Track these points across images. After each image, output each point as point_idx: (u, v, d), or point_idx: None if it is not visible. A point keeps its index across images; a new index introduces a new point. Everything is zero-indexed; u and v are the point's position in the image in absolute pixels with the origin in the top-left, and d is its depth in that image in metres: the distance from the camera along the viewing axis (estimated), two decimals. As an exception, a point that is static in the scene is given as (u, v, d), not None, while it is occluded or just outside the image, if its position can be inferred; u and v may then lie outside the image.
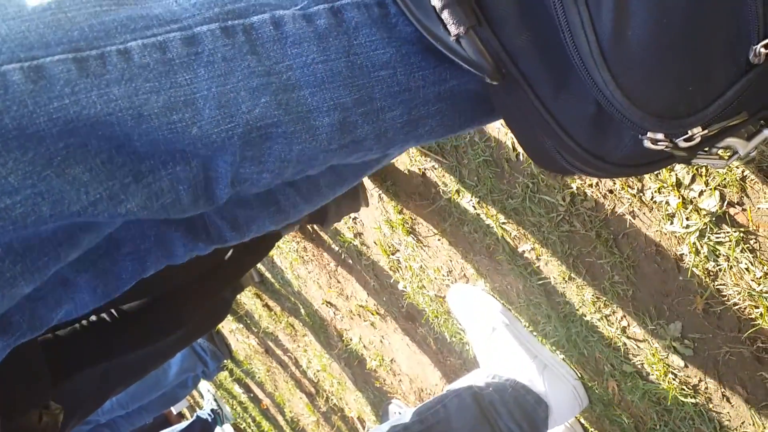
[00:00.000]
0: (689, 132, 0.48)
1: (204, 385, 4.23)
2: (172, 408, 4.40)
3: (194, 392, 4.81)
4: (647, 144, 0.49)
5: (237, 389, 4.05)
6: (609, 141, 0.52)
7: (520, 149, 1.15)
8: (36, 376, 1.29)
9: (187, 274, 1.72)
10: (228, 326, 3.51)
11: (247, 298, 3.01)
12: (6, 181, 0.44)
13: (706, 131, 0.48)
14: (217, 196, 0.54)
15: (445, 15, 0.50)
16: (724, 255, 0.92)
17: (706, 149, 0.54)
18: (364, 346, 2.13)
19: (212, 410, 4.07)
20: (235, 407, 4.24)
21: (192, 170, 0.51)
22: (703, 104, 0.47)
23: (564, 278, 1.19)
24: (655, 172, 0.95)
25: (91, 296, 0.70)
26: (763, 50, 0.46)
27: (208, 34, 0.49)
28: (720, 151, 0.56)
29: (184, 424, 4.06)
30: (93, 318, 1.51)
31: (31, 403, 1.14)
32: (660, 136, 0.48)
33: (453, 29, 0.50)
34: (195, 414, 4.13)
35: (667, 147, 0.49)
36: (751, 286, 0.90)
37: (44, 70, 0.44)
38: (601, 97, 0.48)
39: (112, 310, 1.56)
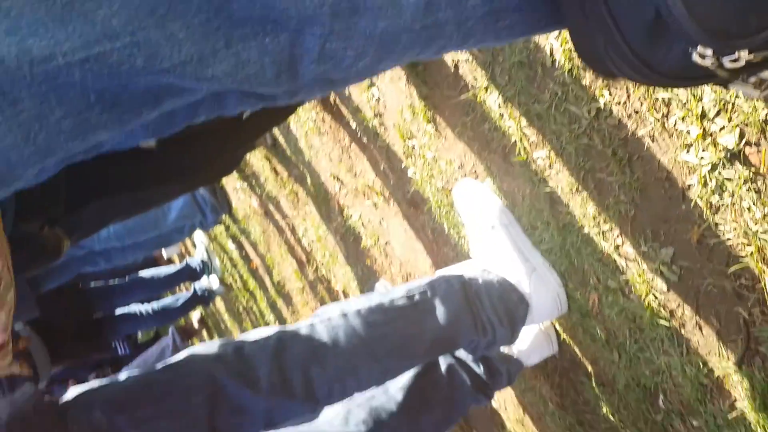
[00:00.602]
0: (736, 53, 0.51)
1: (198, 236, 4.34)
2: (163, 251, 4.52)
3: (187, 241, 4.94)
4: (695, 58, 0.51)
5: (230, 245, 4.16)
6: (660, 50, 0.54)
7: (557, 56, 1.16)
8: (53, 191, 1.34)
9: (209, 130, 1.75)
10: (232, 183, 3.58)
11: (256, 159, 3.05)
12: (109, 23, 0.46)
13: (752, 56, 0.51)
14: (301, 74, 0.56)
15: None
16: (729, 191, 0.96)
17: (746, 75, 0.56)
18: (363, 225, 2.20)
19: (202, 261, 4.20)
20: (225, 262, 4.37)
21: (280, 44, 0.53)
22: (756, 30, 0.50)
23: (571, 189, 1.23)
24: (683, 102, 0.98)
25: (143, 131, 0.74)
26: (819, -11, 0.48)
27: None
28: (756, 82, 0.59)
29: (172, 268, 4.20)
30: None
31: (42, 205, 1.19)
32: (709, 52, 0.51)
33: None
34: (185, 261, 4.26)
35: (712, 64, 0.51)
36: (748, 225, 0.95)
37: None
38: (662, 4, 0.50)
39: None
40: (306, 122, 2.34)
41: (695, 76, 0.56)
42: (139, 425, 1.05)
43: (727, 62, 0.51)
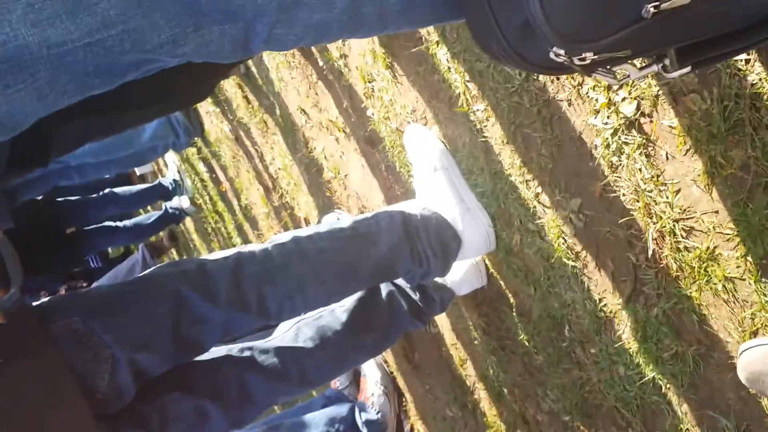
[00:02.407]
0: (584, 54, 0.65)
1: (170, 156, 4.43)
2: (136, 169, 4.62)
3: (160, 161, 5.03)
4: (552, 56, 0.66)
5: (201, 167, 4.27)
6: (529, 45, 0.69)
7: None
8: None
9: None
10: (205, 107, 3.67)
11: (229, 86, 3.15)
12: (108, 14, 0.60)
13: (596, 57, 0.66)
14: (252, 50, 0.71)
15: None
16: (626, 154, 1.11)
17: (607, 67, 0.71)
18: (325, 157, 2.33)
19: (174, 180, 4.31)
20: (195, 183, 4.49)
21: (236, 28, 0.67)
22: (599, 37, 0.64)
23: (503, 141, 1.38)
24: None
25: None
26: (651, 9, 0.62)
27: None
28: (618, 72, 0.73)
29: (145, 185, 4.31)
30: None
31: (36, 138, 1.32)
32: (562, 52, 0.65)
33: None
34: (157, 180, 4.37)
35: (565, 61, 0.66)
36: (638, 184, 1.11)
37: None
38: (528, 13, 0.64)
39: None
40: (277, 56, 2.44)
41: (558, 68, 0.70)
42: (112, 330, 1.19)
43: (576, 60, 0.66)
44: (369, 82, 1.86)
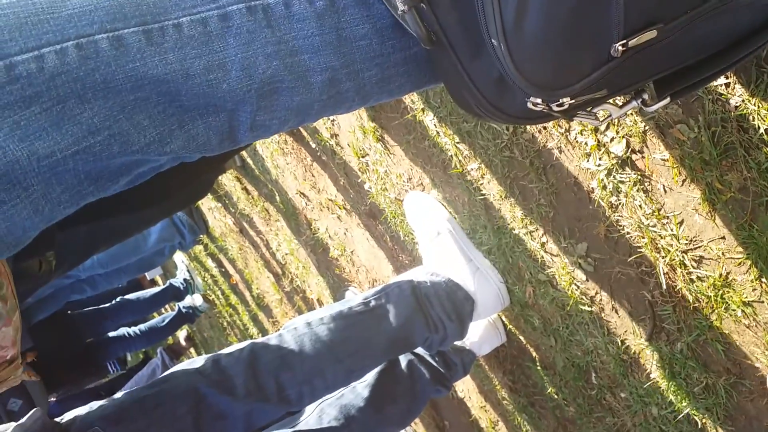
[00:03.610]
0: (560, 100, 0.66)
1: (179, 256, 4.45)
2: (146, 274, 4.64)
3: (169, 262, 5.05)
4: (530, 105, 0.67)
5: (210, 263, 4.29)
6: (506, 98, 0.69)
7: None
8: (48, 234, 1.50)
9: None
10: (207, 204, 3.71)
11: (227, 180, 3.19)
12: (92, 122, 0.62)
13: (573, 101, 0.66)
14: (238, 139, 0.72)
15: None
16: (624, 192, 1.11)
17: (588, 109, 0.72)
18: (330, 236, 2.34)
19: (184, 279, 4.32)
20: (206, 279, 4.49)
21: (220, 120, 0.68)
22: (572, 81, 0.65)
23: (501, 196, 1.38)
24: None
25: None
26: (620, 48, 0.63)
27: (236, 12, 0.66)
28: (600, 113, 0.74)
29: (157, 289, 4.31)
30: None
31: (38, 249, 1.34)
32: (539, 100, 0.66)
33: (400, 6, 0.66)
34: (168, 281, 4.37)
35: (543, 109, 0.66)
36: (641, 220, 1.10)
37: (123, 39, 0.61)
38: (500, 68, 0.65)
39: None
40: (270, 144, 2.48)
41: (538, 116, 0.71)
42: None
43: (554, 107, 0.66)
44: (362, 156, 1.88)
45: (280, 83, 0.69)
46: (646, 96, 0.73)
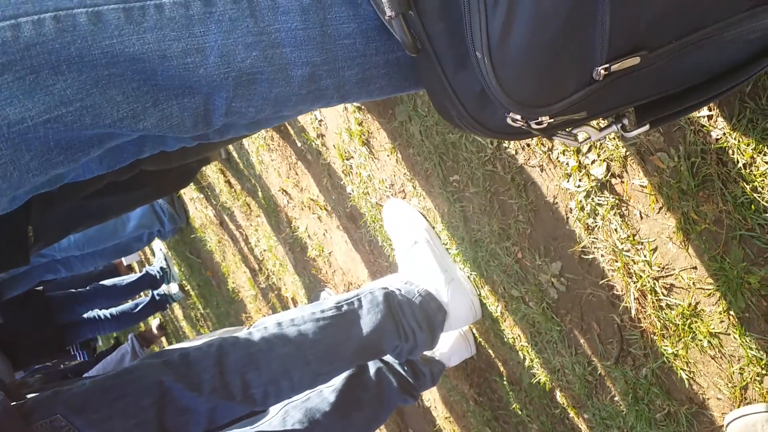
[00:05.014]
0: (540, 118, 0.66)
1: (157, 244, 4.42)
2: (123, 259, 4.60)
3: (146, 249, 5.01)
4: (509, 121, 0.67)
5: (187, 253, 4.26)
6: (487, 112, 0.69)
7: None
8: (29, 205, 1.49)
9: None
10: (189, 194, 3.69)
11: (211, 172, 3.17)
12: (65, 93, 0.61)
13: (552, 120, 0.66)
14: (213, 123, 0.71)
15: (385, 1, 0.66)
16: (601, 215, 1.12)
17: (567, 129, 0.72)
18: (309, 236, 2.33)
19: (161, 268, 4.29)
20: (183, 269, 4.47)
21: (195, 102, 0.68)
22: (552, 101, 0.65)
23: (481, 210, 1.38)
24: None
25: (97, 165, 0.91)
26: (602, 71, 0.63)
27: None
28: (581, 135, 0.74)
29: (133, 276, 4.28)
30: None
31: (18, 223, 1.33)
32: (518, 117, 0.66)
33: (388, 11, 0.66)
34: (144, 269, 4.34)
35: (522, 126, 0.67)
36: (616, 244, 1.11)
37: (102, 15, 0.61)
38: (483, 81, 0.65)
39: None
40: (257, 139, 2.47)
41: (517, 132, 0.71)
42: (95, 425, 1.17)
43: (533, 124, 0.66)
44: (347, 159, 1.88)
45: (260, 74, 0.69)
46: (626, 121, 0.74)
